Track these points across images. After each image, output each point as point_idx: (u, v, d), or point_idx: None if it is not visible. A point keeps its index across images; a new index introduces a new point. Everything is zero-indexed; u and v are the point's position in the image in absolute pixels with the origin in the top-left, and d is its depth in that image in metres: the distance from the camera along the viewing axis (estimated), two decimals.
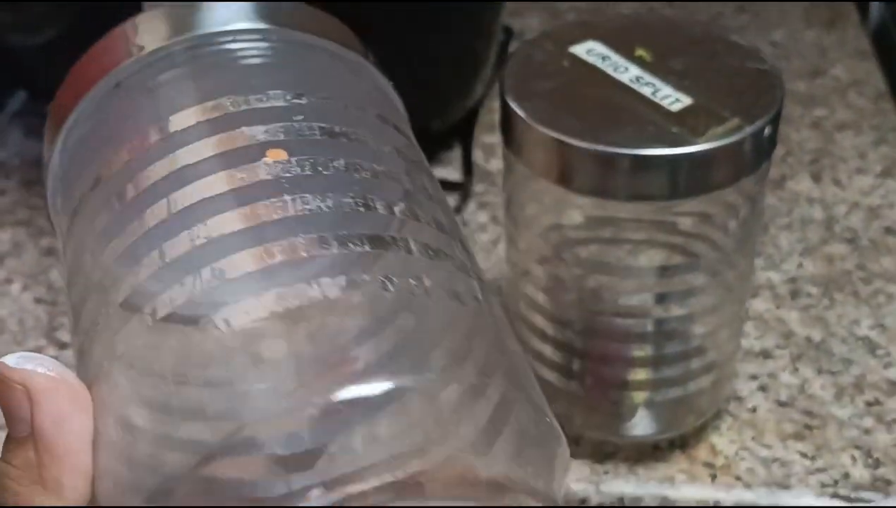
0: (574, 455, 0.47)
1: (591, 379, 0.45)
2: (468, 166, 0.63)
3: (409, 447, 0.20)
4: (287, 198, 0.22)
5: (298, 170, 0.23)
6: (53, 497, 0.20)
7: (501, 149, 0.42)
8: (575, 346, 0.44)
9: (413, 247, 0.23)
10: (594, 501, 0.46)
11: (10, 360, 0.21)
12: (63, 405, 0.21)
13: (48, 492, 0.20)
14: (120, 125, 0.27)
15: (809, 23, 0.77)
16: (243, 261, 0.22)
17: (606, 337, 0.43)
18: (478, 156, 0.65)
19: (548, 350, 0.45)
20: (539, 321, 0.45)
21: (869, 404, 0.49)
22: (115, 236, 0.23)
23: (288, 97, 0.25)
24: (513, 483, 0.20)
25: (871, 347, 0.52)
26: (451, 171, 0.64)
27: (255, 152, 0.24)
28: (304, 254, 0.21)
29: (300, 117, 0.25)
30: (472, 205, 0.61)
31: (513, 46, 0.73)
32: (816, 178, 0.63)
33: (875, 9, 0.78)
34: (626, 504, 0.46)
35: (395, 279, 0.22)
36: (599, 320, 0.43)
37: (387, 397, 0.20)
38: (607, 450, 0.47)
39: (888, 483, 0.45)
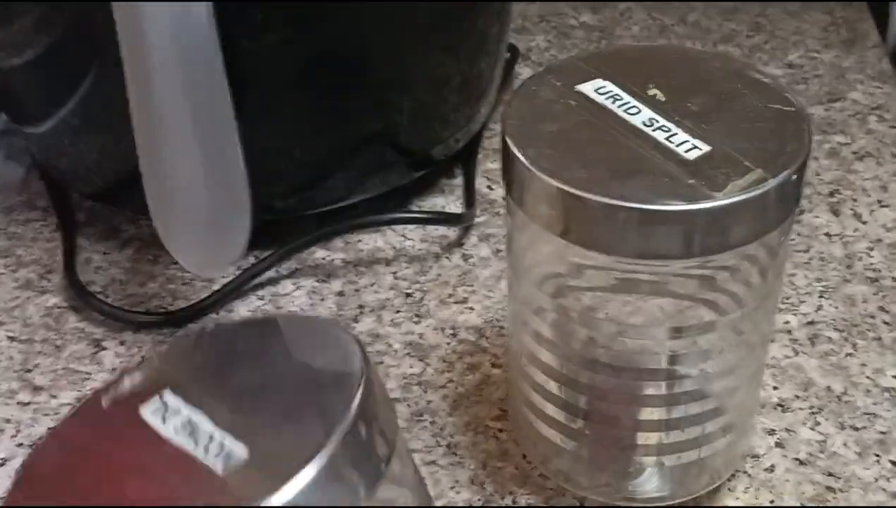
0: None
1: (596, 442, 0.42)
2: (470, 197, 0.60)
3: None
4: None
5: None
6: None
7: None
8: (579, 406, 0.41)
9: None
10: None
11: None
12: None
13: None
14: None
15: (827, 43, 0.73)
16: None
17: (613, 397, 0.40)
18: (480, 182, 0.62)
19: (549, 408, 0.42)
20: (540, 377, 0.41)
21: None
22: None
23: None
24: None
25: None
26: (452, 200, 0.61)
27: None
28: None
29: None
30: (473, 237, 0.58)
31: (519, 66, 0.70)
32: (835, 212, 0.59)
33: (895, 27, 0.74)
34: None
35: None
36: (605, 379, 0.40)
37: None
38: None
39: None
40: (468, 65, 0.58)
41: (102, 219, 0.60)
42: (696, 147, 0.36)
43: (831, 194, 0.60)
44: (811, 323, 0.52)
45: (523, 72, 0.71)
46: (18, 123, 0.60)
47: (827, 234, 0.58)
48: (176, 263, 0.52)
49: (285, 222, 0.56)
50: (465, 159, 0.62)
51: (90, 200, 0.60)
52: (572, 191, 0.34)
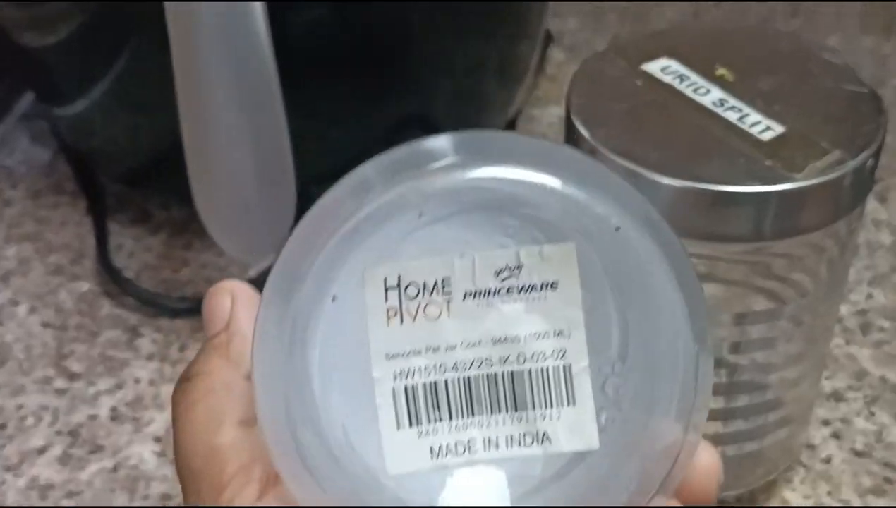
0: None
1: None
2: None
3: None
4: None
5: None
6: (233, 367, 0.26)
7: None
8: None
9: None
10: None
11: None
12: (253, 304, 0.26)
13: (230, 363, 0.26)
14: None
15: (866, 28, 0.72)
16: None
17: None
18: None
19: None
20: None
21: None
22: None
23: None
24: None
25: None
26: None
27: None
28: None
29: None
30: None
31: (552, 50, 0.69)
32: (882, 199, 0.58)
33: None
34: None
35: None
36: None
37: None
38: None
39: None
40: (507, 47, 0.57)
41: (133, 204, 0.58)
42: (769, 128, 0.35)
43: (877, 181, 0.59)
44: (862, 311, 0.51)
45: (556, 56, 0.69)
46: (48, 103, 0.59)
47: (875, 222, 0.57)
48: (209, 249, 0.51)
49: None
50: None
51: (120, 184, 0.59)
52: (647, 173, 0.33)
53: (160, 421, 0.47)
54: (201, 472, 0.25)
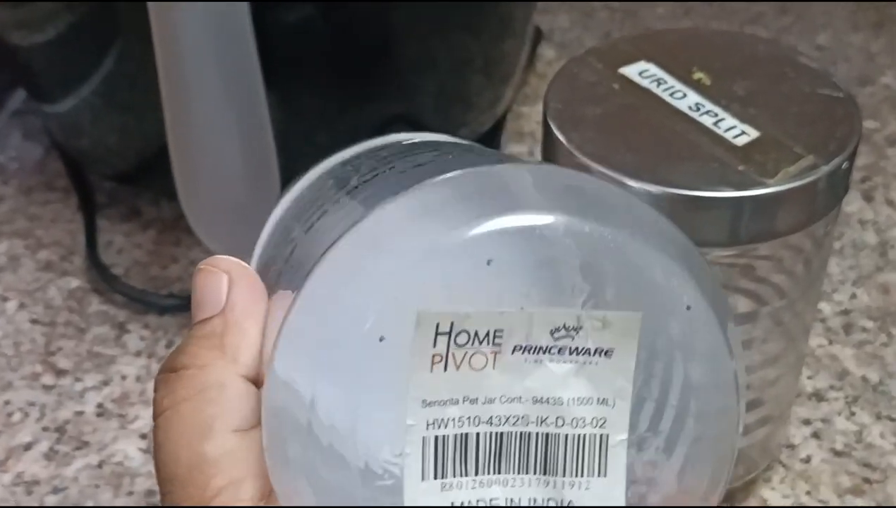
0: None
1: None
2: None
3: None
4: None
5: None
6: (228, 362, 0.23)
7: None
8: None
9: None
10: None
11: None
12: (253, 290, 0.25)
13: (225, 357, 0.23)
14: None
15: (856, 25, 0.72)
16: None
17: None
18: None
19: None
20: None
21: None
22: None
23: None
24: None
25: None
26: None
27: None
28: None
29: None
30: None
31: (542, 48, 0.69)
32: (868, 198, 0.58)
33: None
34: None
35: None
36: None
37: None
38: None
39: None
40: (494, 46, 0.57)
41: (123, 201, 0.59)
42: (744, 132, 0.35)
43: (863, 180, 0.60)
44: (845, 311, 0.52)
45: (546, 53, 0.70)
46: (39, 101, 0.59)
47: (860, 221, 0.57)
48: (198, 246, 0.52)
49: None
50: (489, 142, 0.61)
51: (110, 181, 0.59)
52: (620, 177, 0.33)
53: (146, 417, 0.47)
54: (184, 481, 0.23)
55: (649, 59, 0.38)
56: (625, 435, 0.23)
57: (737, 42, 0.40)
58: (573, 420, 0.23)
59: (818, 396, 0.48)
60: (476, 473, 0.23)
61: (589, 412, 0.23)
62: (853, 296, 0.52)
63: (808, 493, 0.44)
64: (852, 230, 0.56)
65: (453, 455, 0.23)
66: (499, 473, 0.23)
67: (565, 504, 0.23)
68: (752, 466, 0.43)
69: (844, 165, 0.35)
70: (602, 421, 0.23)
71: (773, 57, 0.39)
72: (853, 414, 0.47)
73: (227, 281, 0.24)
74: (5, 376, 0.49)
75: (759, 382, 0.40)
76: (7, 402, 0.48)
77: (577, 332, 0.23)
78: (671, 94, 0.37)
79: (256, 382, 0.24)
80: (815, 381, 0.48)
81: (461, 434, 0.23)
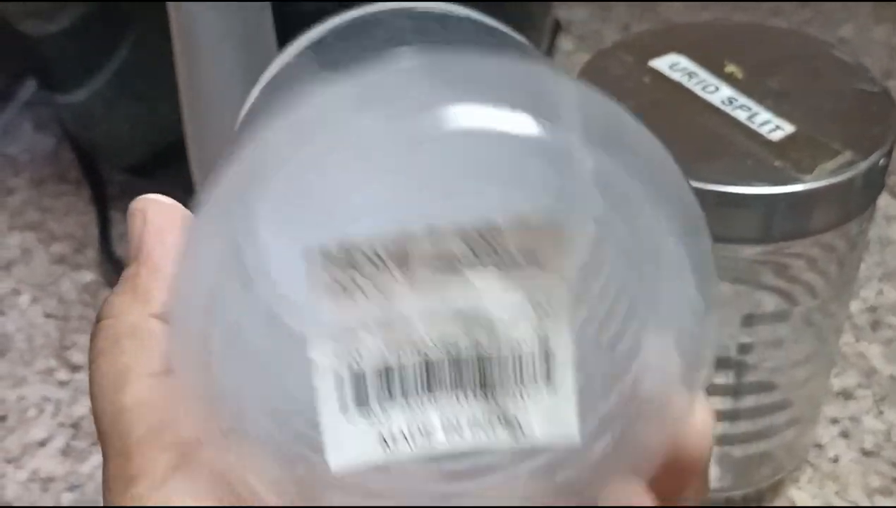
0: None
1: None
2: None
3: None
4: None
5: None
6: (140, 304, 0.22)
7: None
8: None
9: None
10: None
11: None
12: (165, 219, 0.23)
13: (137, 300, 0.22)
14: None
15: (878, 18, 0.71)
16: None
17: None
18: None
19: None
20: None
21: None
22: None
23: None
24: None
25: None
26: None
27: None
28: None
29: None
30: None
31: (561, 39, 0.68)
32: (894, 193, 0.58)
33: None
34: None
35: None
36: None
37: None
38: None
39: None
40: None
41: (135, 193, 0.57)
42: (779, 127, 0.34)
43: (888, 176, 0.59)
44: (872, 308, 0.51)
45: (565, 45, 0.69)
46: (51, 91, 0.58)
47: (886, 217, 0.56)
48: None
49: None
50: None
51: (123, 173, 0.58)
52: None
53: None
54: (109, 435, 0.22)
55: (680, 52, 0.37)
56: (569, 347, 0.21)
57: (767, 34, 0.40)
58: (505, 331, 0.21)
59: (846, 394, 0.47)
60: (406, 399, 0.21)
61: (522, 322, 0.20)
62: (880, 293, 0.52)
63: (836, 493, 0.43)
64: (878, 226, 0.55)
65: (377, 387, 0.21)
66: (432, 395, 0.21)
67: (511, 421, 0.21)
68: (779, 467, 0.42)
69: (882, 162, 0.34)
70: (541, 331, 0.21)
71: (807, 49, 0.38)
72: (881, 412, 0.46)
73: (142, 220, 0.23)
74: (19, 371, 0.49)
75: (789, 383, 0.39)
76: (21, 398, 0.47)
77: (496, 236, 0.20)
78: (703, 88, 0.36)
79: None
80: (843, 379, 0.47)
81: (382, 366, 0.21)
